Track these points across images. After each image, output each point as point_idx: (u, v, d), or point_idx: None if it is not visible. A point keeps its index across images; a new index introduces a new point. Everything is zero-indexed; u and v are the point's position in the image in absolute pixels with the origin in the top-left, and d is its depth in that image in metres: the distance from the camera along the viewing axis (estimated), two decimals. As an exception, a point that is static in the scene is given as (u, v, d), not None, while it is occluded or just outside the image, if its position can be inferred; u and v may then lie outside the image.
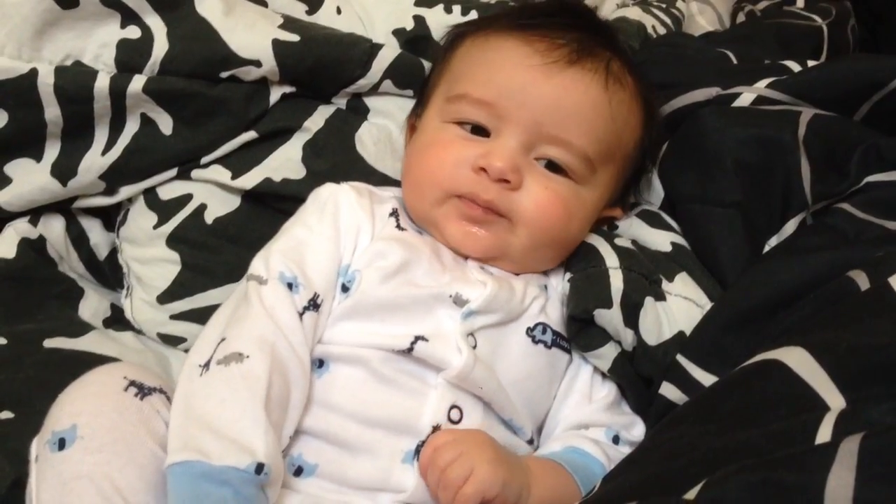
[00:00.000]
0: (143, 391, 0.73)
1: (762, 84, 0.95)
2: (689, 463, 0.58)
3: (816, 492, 0.46)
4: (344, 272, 0.83)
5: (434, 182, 0.86)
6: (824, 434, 0.51)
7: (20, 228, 0.96)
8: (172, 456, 0.67)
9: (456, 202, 0.85)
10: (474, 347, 0.80)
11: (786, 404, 0.58)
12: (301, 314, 0.78)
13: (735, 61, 1.09)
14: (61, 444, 0.68)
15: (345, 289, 0.82)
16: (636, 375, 0.86)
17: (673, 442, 0.64)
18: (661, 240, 0.93)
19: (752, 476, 0.49)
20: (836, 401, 0.56)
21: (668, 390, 0.83)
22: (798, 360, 0.60)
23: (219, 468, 0.66)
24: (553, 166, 0.86)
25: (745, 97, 0.95)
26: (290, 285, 0.79)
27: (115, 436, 0.69)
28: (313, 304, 0.79)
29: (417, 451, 0.76)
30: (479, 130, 0.86)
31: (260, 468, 0.66)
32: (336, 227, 0.84)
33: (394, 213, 0.88)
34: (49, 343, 0.90)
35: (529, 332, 0.84)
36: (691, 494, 0.52)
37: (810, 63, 1.00)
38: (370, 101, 1.02)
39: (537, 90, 0.84)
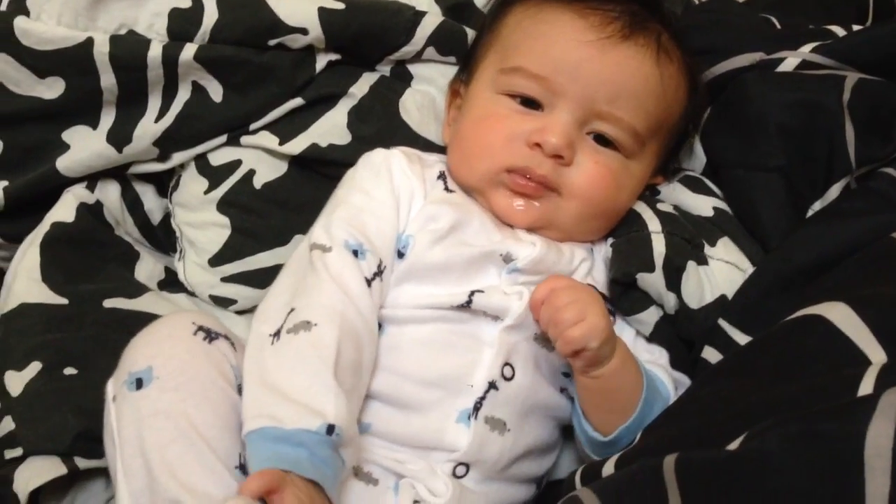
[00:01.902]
0: (210, 336, 0.76)
1: (806, 49, 0.95)
2: (728, 417, 0.59)
3: (857, 442, 0.47)
4: (399, 238, 0.84)
5: (487, 155, 0.86)
6: (866, 388, 0.52)
7: (78, 193, 0.98)
8: (248, 424, 0.70)
9: (506, 177, 0.86)
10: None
11: (827, 359, 0.59)
12: (370, 280, 0.79)
13: (779, 26, 1.09)
14: (139, 383, 0.72)
15: (400, 254, 0.84)
16: (678, 339, 0.88)
17: (712, 396, 0.65)
18: (704, 205, 0.94)
19: (793, 427, 0.50)
20: (878, 355, 0.56)
21: (710, 354, 0.84)
22: (840, 314, 0.60)
23: (291, 431, 0.68)
24: (602, 139, 0.87)
25: (790, 62, 0.95)
26: (355, 252, 0.80)
27: (189, 376, 0.72)
28: (379, 271, 0.81)
29: (476, 408, 0.79)
30: (530, 102, 0.87)
31: (331, 429, 0.68)
32: (393, 194, 0.86)
33: (441, 176, 0.90)
34: (108, 303, 0.93)
35: None
36: (732, 447, 0.53)
37: (855, 27, 1.00)
38: (414, 68, 1.03)
39: (592, 66, 0.85)
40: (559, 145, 0.84)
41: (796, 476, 0.48)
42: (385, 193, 0.85)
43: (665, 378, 0.84)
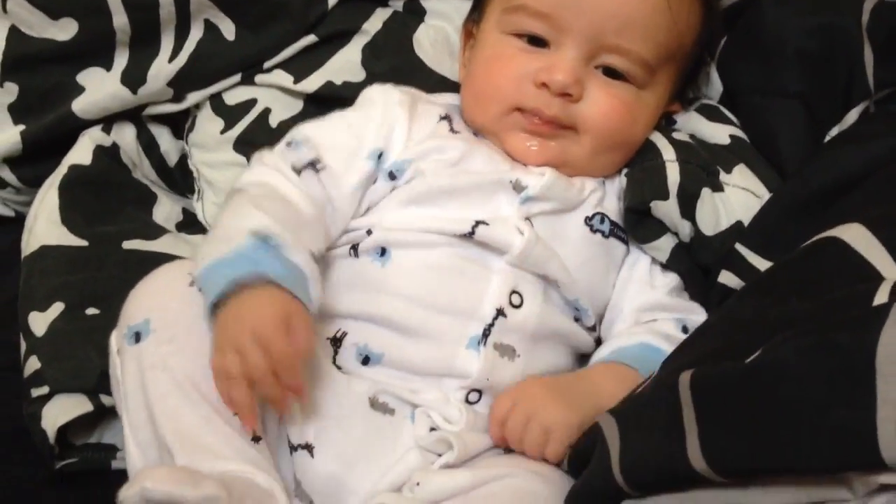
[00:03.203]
0: None
1: (824, -30, 0.93)
2: (747, 338, 0.59)
3: (869, 350, 0.47)
4: (380, 158, 0.85)
5: (498, 97, 0.86)
6: (880, 301, 0.52)
7: (95, 136, 0.99)
8: (194, 275, 0.73)
9: (519, 117, 0.86)
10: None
11: (842, 277, 0.59)
12: (299, 171, 0.82)
13: (797, -51, 1.06)
14: (137, 337, 0.73)
15: (392, 176, 0.84)
16: (694, 265, 0.88)
17: (731, 322, 0.65)
18: (720, 133, 0.93)
19: (807, 339, 0.50)
20: (891, 271, 0.56)
21: (727, 278, 0.84)
22: (855, 234, 0.60)
23: (227, 256, 0.72)
24: (612, 72, 0.86)
25: (807, -15, 0.93)
26: (288, 144, 0.84)
27: (185, 327, 0.73)
28: (312, 166, 0.83)
29: (485, 334, 0.79)
30: (536, 41, 0.86)
31: (256, 233, 0.72)
32: (368, 117, 0.87)
33: (445, 118, 0.89)
34: (127, 245, 0.94)
35: (588, 220, 0.86)
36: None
37: (875, -53, 0.97)
38: (427, 3, 1.02)
39: None
40: (566, 83, 0.83)
41: (810, 384, 0.49)
42: (358, 117, 0.87)
43: (666, 347, 0.83)
